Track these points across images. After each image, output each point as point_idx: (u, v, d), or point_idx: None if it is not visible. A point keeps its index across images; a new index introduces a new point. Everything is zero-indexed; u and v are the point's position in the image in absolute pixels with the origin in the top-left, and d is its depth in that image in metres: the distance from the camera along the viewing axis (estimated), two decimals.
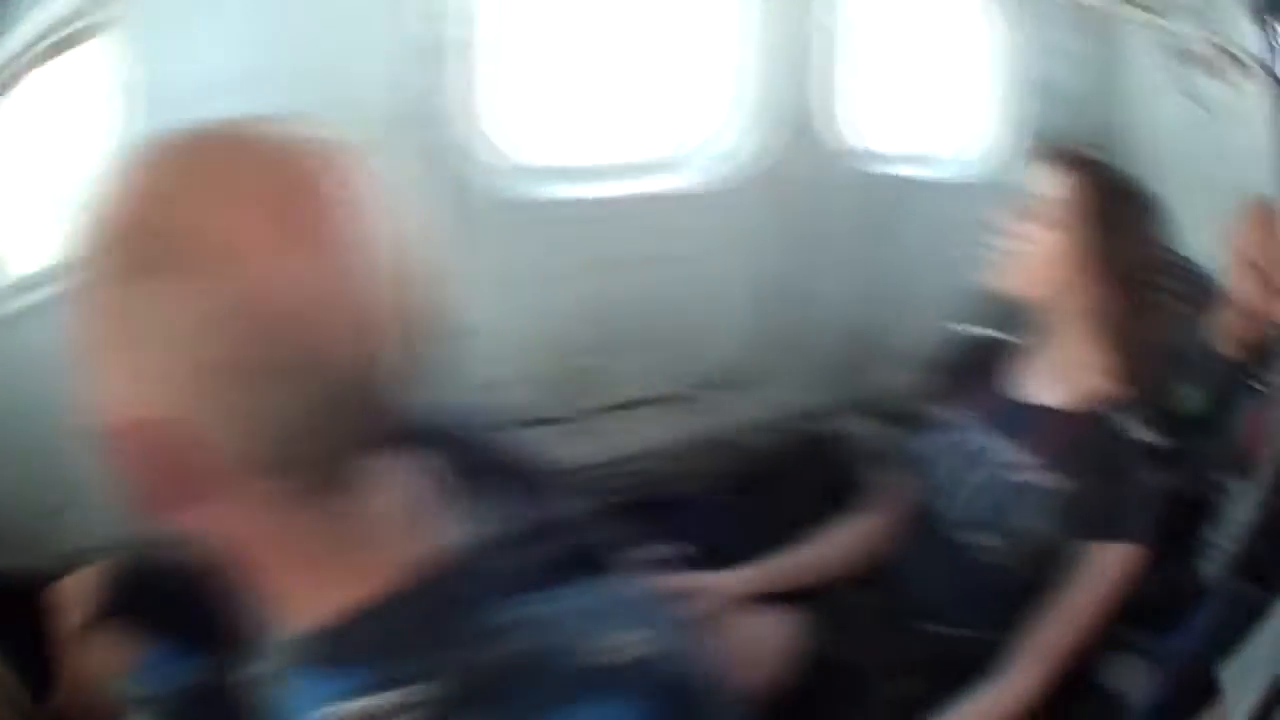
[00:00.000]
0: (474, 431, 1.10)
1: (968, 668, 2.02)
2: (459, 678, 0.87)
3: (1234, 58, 2.47)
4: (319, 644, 0.92)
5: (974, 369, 2.24)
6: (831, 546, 2.28)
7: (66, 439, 2.43)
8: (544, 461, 1.12)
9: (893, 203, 2.85)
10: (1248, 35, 2.43)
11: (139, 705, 1.31)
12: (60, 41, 2.41)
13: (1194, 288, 2.41)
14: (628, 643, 0.92)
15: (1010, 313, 2.19)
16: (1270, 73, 2.37)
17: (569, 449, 1.76)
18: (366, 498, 0.92)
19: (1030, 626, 2.02)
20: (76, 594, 1.97)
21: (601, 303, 2.56)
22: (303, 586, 0.94)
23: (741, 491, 2.65)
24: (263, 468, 0.85)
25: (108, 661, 1.70)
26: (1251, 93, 2.43)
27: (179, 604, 1.55)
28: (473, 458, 1.05)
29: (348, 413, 0.86)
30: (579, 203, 2.66)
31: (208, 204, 0.81)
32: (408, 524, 0.95)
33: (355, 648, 0.91)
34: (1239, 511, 2.24)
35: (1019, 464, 2.08)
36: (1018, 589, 2.04)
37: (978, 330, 2.30)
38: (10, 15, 2.17)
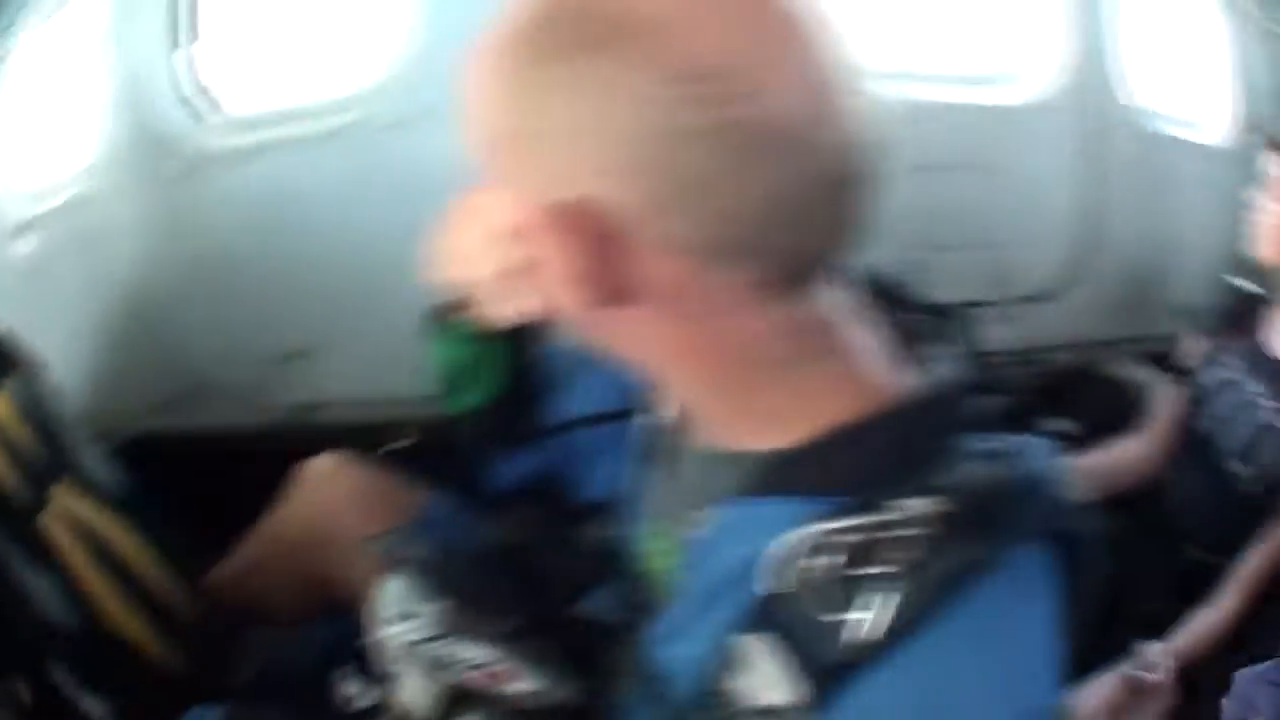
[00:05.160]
0: (905, 295, 1.11)
1: (1203, 590, 2.09)
2: (950, 497, 0.88)
3: None
4: (782, 467, 0.96)
5: (1238, 318, 2.33)
6: (1114, 461, 2.38)
7: (308, 281, 2.49)
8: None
9: (1163, 157, 2.89)
10: None
11: (403, 565, 1.35)
12: None
13: None
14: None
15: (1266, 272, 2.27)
16: None
17: None
18: (826, 314, 0.96)
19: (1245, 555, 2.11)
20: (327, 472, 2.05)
21: (927, 203, 2.59)
22: (743, 403, 0.98)
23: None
24: (716, 253, 0.87)
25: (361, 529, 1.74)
26: None
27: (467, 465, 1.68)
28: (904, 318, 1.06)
29: (824, 191, 0.87)
30: (911, 105, 2.67)
31: None
32: (866, 352, 0.98)
33: (816, 472, 0.94)
34: None
35: (1267, 406, 2.16)
36: (1260, 521, 2.12)
37: (1242, 285, 2.42)
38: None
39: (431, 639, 1.29)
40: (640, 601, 1.18)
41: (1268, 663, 1.84)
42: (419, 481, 1.97)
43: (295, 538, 2.03)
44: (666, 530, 1.13)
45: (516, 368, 1.46)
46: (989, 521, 0.88)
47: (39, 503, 1.92)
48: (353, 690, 1.47)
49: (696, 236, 0.86)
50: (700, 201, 0.84)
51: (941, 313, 1.10)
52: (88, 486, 2.01)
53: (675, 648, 1.02)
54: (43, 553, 1.87)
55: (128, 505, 2.05)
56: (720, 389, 0.98)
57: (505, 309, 1.07)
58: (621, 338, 0.97)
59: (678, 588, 1.07)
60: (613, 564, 1.26)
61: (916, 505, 0.88)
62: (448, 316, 1.44)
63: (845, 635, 0.87)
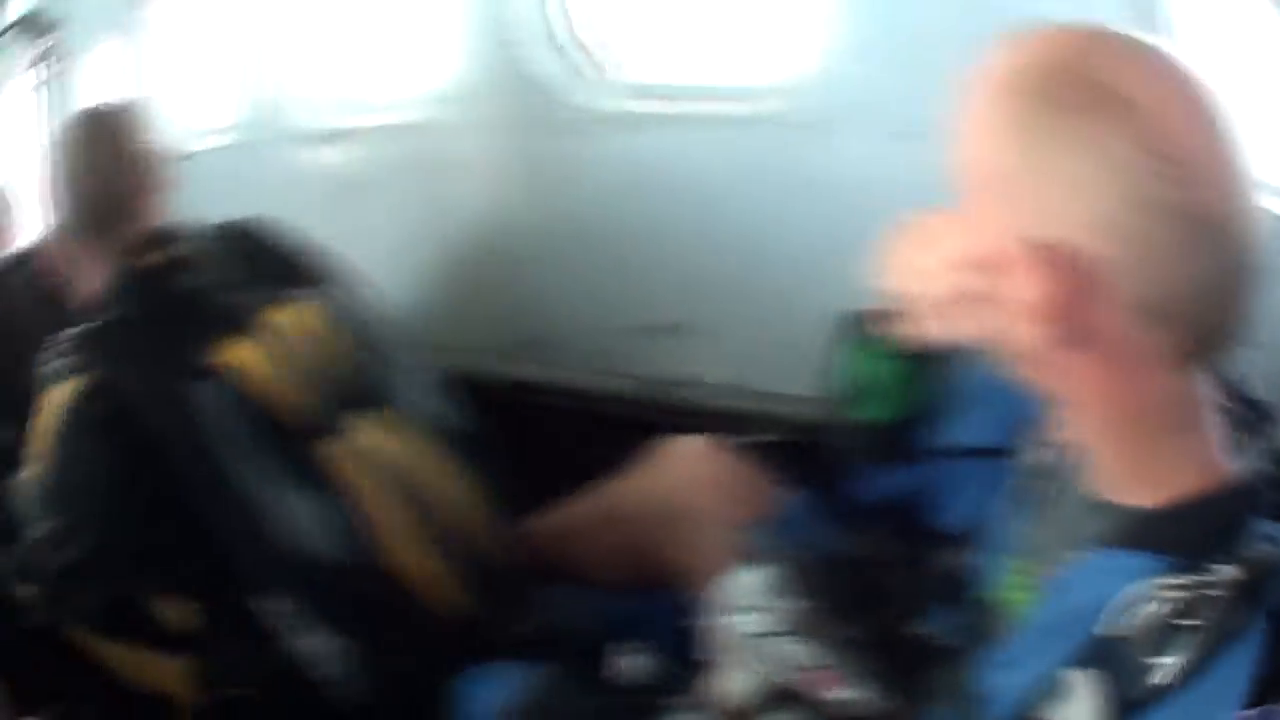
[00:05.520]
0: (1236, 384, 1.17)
1: None
2: (1247, 571, 0.99)
3: None
4: (1145, 524, 1.04)
5: None
6: None
7: (687, 261, 2.42)
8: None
9: None
10: None
11: (763, 559, 1.40)
12: None
13: None
14: None
15: None
16: None
17: None
18: (1201, 390, 1.05)
19: None
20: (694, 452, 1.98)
21: None
22: (1134, 458, 1.05)
23: None
24: (1155, 316, 0.96)
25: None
26: None
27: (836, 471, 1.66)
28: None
29: (1235, 278, 0.97)
30: None
31: (1123, 62, 0.95)
32: (1216, 430, 1.06)
33: (1172, 533, 1.02)
34: None
35: None
36: None
37: None
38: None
39: (773, 634, 1.34)
40: (977, 629, 1.22)
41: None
42: (778, 477, 1.92)
43: (640, 507, 1.98)
44: (1027, 566, 1.17)
45: (922, 390, 1.48)
46: (1261, 593, 0.99)
47: (333, 427, 1.85)
48: (629, 664, 1.52)
49: (1145, 296, 0.95)
50: (1156, 266, 0.94)
51: (1257, 407, 1.17)
52: (405, 418, 1.94)
53: (1006, 674, 1.09)
54: (319, 478, 1.81)
55: (452, 443, 1.97)
56: (1119, 441, 1.05)
57: (944, 330, 1.11)
58: (1055, 377, 1.04)
59: (1022, 620, 1.14)
60: (956, 591, 1.30)
61: (1227, 572, 0.98)
62: (871, 327, 1.46)
63: (1152, 679, 0.97)
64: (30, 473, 1.88)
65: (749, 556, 1.44)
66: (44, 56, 4.28)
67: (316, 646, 1.78)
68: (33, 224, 3.61)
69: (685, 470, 1.97)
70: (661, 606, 1.77)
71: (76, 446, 1.82)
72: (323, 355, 1.89)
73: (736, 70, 2.48)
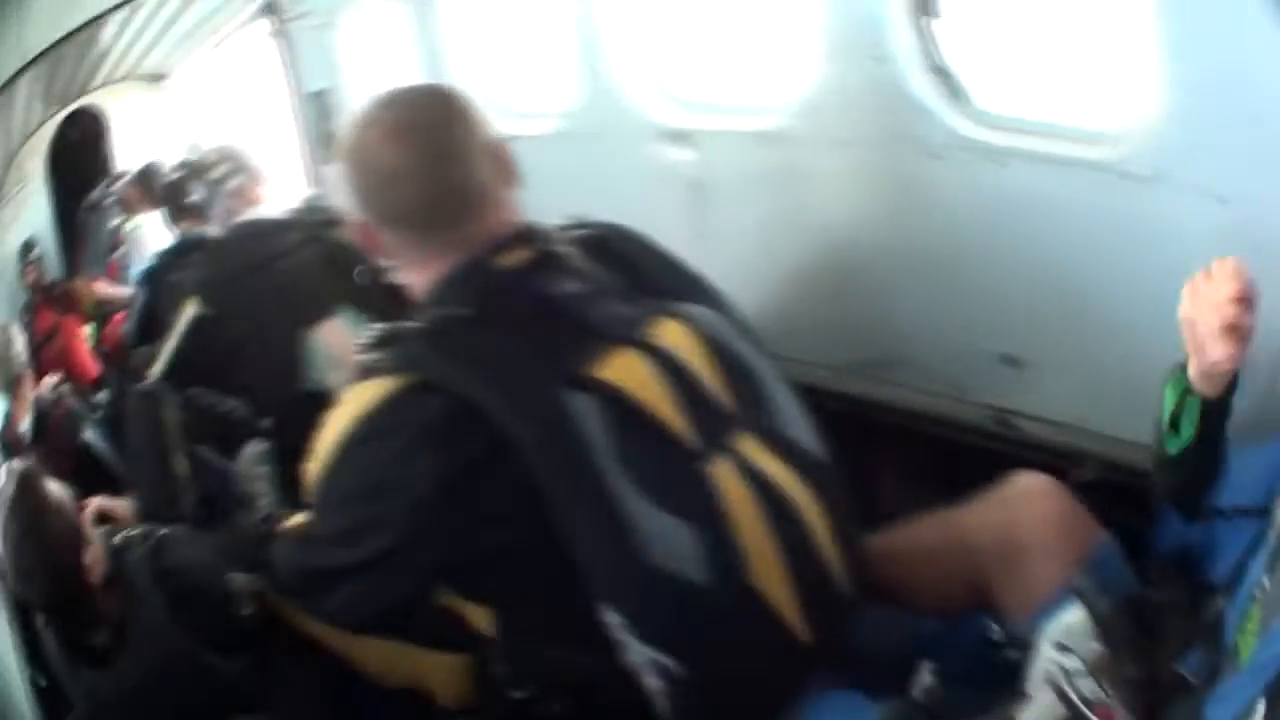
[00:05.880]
0: None
1: None
2: None
3: None
4: None
5: None
6: None
7: (1033, 296, 2.46)
8: None
9: None
10: None
11: (1086, 600, 1.55)
12: None
13: None
14: None
15: None
16: None
17: None
18: None
19: None
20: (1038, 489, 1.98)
21: None
22: None
23: None
24: None
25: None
26: None
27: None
28: None
29: None
30: None
31: None
32: None
33: None
34: None
35: None
36: None
37: None
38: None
39: (1079, 673, 1.49)
40: (1214, 669, 1.39)
41: None
42: (1101, 518, 1.90)
43: (979, 538, 1.95)
44: (1259, 614, 1.33)
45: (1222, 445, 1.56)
46: None
47: (712, 447, 1.77)
48: (928, 684, 1.58)
49: None
50: None
51: None
52: (775, 440, 1.85)
53: (1222, 708, 1.27)
54: (697, 498, 1.74)
55: (812, 467, 1.88)
56: None
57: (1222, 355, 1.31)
58: None
59: (1242, 661, 1.31)
60: (1211, 637, 1.45)
61: None
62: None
63: None
64: (313, 467, 1.83)
65: (1073, 596, 1.56)
66: (270, 9, 4.55)
67: (650, 662, 1.73)
68: (281, 184, 3.66)
69: (1028, 506, 1.95)
70: (967, 631, 1.87)
71: (390, 447, 1.74)
72: (701, 373, 1.82)
73: (1086, 113, 2.42)
